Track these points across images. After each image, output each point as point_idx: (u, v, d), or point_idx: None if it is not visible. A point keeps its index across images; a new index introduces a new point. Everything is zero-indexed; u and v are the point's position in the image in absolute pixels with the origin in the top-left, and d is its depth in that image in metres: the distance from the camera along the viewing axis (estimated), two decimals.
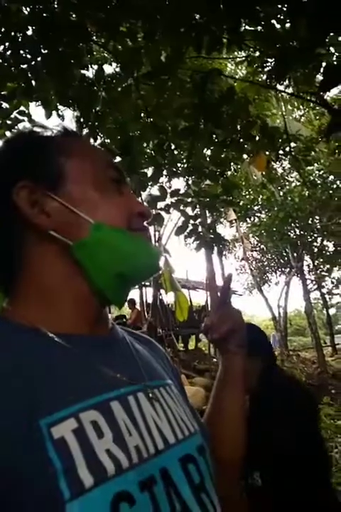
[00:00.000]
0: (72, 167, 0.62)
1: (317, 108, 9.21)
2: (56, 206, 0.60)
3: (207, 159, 3.36)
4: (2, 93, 2.92)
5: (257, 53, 3.15)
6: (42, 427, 0.46)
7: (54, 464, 0.44)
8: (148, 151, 3.34)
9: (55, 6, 2.60)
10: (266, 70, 3.37)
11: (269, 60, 3.10)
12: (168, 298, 11.91)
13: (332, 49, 2.75)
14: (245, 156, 3.99)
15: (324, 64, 2.66)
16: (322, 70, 2.69)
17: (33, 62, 2.76)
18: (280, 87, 3.00)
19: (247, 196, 13.99)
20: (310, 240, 14.76)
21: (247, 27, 2.74)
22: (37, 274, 0.60)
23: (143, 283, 12.72)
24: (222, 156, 3.33)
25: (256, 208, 14.64)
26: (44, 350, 0.54)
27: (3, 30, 2.59)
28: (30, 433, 0.45)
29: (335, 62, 2.51)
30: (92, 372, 0.56)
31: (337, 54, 2.71)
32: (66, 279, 0.60)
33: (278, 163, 7.98)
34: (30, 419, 0.46)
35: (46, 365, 0.52)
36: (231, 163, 3.64)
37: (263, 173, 5.89)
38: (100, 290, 0.60)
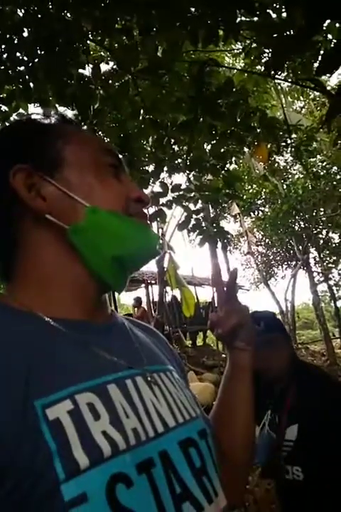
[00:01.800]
0: (70, 152, 0.63)
1: (318, 99, 9.17)
2: (52, 190, 0.60)
3: (207, 153, 3.35)
4: (0, 96, 2.93)
5: (254, 44, 3.13)
6: (37, 407, 0.46)
7: (49, 444, 0.44)
8: (147, 147, 3.32)
9: (50, 6, 2.60)
10: (263, 61, 3.36)
11: (266, 50, 3.08)
12: (176, 294, 11.93)
13: (329, 36, 2.73)
14: (246, 149, 3.97)
15: (322, 52, 2.65)
16: (319, 57, 2.68)
17: (30, 64, 2.77)
18: (278, 78, 2.98)
19: (250, 190, 13.95)
20: (315, 232, 14.69)
21: (243, 18, 2.72)
22: (34, 259, 0.60)
23: (149, 282, 12.75)
24: (222, 149, 3.32)
25: (259, 201, 14.59)
26: (41, 333, 0.54)
27: None
28: (25, 414, 0.45)
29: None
30: (89, 356, 0.56)
31: (334, 41, 2.69)
32: (63, 263, 0.60)
33: (280, 155, 7.94)
34: (25, 400, 0.46)
35: (43, 348, 0.52)
36: (232, 156, 3.62)
37: (265, 165, 5.87)
38: (97, 274, 0.60)
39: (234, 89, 2.69)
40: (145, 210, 0.68)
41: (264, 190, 13.65)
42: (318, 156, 12.42)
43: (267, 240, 16.29)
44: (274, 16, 2.76)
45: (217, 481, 0.60)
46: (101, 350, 0.57)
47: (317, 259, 16.14)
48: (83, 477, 0.44)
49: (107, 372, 0.55)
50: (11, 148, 0.63)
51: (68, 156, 0.62)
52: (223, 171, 3.35)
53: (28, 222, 0.61)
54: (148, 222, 0.69)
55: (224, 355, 9.57)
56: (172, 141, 3.23)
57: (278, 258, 16.96)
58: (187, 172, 3.21)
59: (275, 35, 2.70)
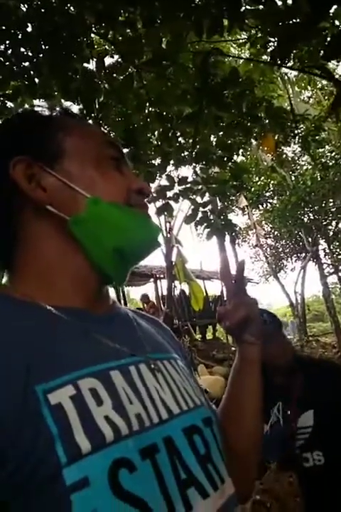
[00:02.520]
0: (71, 144, 0.63)
1: (326, 88, 9.06)
2: (53, 181, 0.60)
3: (214, 145, 3.32)
4: (6, 92, 2.93)
5: (259, 34, 3.09)
6: (39, 392, 0.46)
7: (50, 429, 0.44)
8: (153, 140, 3.30)
9: (53, 0, 2.59)
10: (269, 50, 3.32)
11: (272, 39, 3.04)
12: (184, 289, 11.94)
13: (336, 22, 2.69)
14: (253, 141, 3.94)
15: (328, 39, 2.60)
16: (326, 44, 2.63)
17: (35, 59, 2.77)
18: (285, 66, 2.93)
19: (258, 182, 13.87)
20: (324, 223, 14.57)
21: (247, 6, 2.69)
22: (35, 250, 0.60)
23: (158, 276, 12.75)
24: (229, 141, 3.30)
25: (267, 194, 14.50)
26: (42, 322, 0.54)
27: (3, 28, 2.60)
28: (26, 399, 0.45)
29: None
30: (92, 343, 0.56)
31: None
32: (63, 254, 0.60)
33: (287, 146, 7.87)
34: (26, 386, 0.46)
35: (44, 336, 0.53)
36: (239, 148, 3.59)
37: (273, 156, 5.82)
38: (97, 265, 0.60)
39: (239, 80, 2.67)
40: (146, 202, 0.68)
41: (272, 182, 13.57)
42: (327, 147, 12.30)
43: (276, 233, 16.20)
44: (279, 3, 2.73)
45: (223, 468, 0.59)
46: (103, 337, 0.57)
47: (327, 251, 16.02)
48: (85, 461, 0.44)
49: (110, 359, 0.55)
50: (11, 139, 0.63)
51: (69, 148, 0.62)
52: (230, 163, 3.33)
53: (28, 213, 0.61)
54: (149, 213, 0.69)
55: (234, 349, 9.56)
56: (178, 133, 3.21)
57: (288, 250, 16.86)
58: (194, 164, 3.20)
59: (280, 24, 2.67)
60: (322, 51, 2.98)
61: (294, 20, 2.62)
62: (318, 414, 1.56)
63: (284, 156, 9.28)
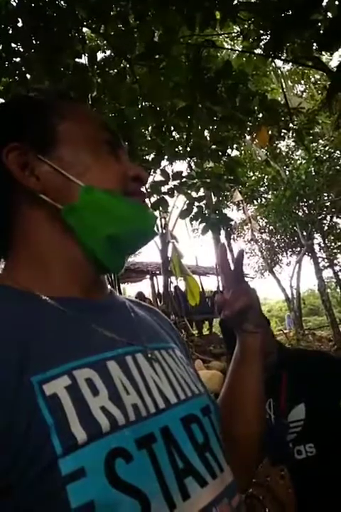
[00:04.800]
0: (65, 129, 0.61)
1: (319, 82, 9.07)
2: (46, 169, 0.59)
3: (208, 139, 3.32)
4: None
5: (252, 27, 3.08)
6: (34, 383, 0.46)
7: (46, 419, 0.44)
8: (147, 135, 3.29)
9: None
10: (262, 43, 3.31)
11: (265, 32, 3.03)
12: (179, 285, 11.94)
13: (329, 14, 2.68)
14: (247, 137, 3.93)
15: (321, 31, 2.60)
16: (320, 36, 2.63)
17: (26, 55, 2.74)
18: (278, 61, 2.93)
19: (253, 177, 13.89)
20: (319, 217, 14.61)
21: None
22: (29, 239, 0.60)
23: (154, 272, 12.75)
24: (223, 135, 3.29)
25: (262, 189, 14.52)
26: (37, 311, 0.54)
27: None
28: (21, 390, 0.45)
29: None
30: (88, 333, 0.55)
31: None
32: (58, 243, 0.59)
33: (281, 140, 7.88)
34: (20, 377, 0.45)
35: (39, 326, 0.52)
36: (233, 142, 3.58)
37: (267, 151, 5.83)
38: (92, 254, 0.59)
39: (233, 73, 2.66)
40: (143, 189, 0.67)
41: (267, 176, 13.57)
42: (320, 141, 12.33)
43: (271, 227, 16.23)
44: None
45: (222, 456, 0.59)
46: (100, 327, 0.56)
47: (322, 245, 16.08)
48: (81, 452, 0.44)
49: (106, 349, 0.54)
50: (4, 126, 0.62)
51: (63, 133, 0.61)
52: (224, 157, 3.32)
53: (23, 201, 0.60)
54: (146, 201, 0.68)
55: None
56: (172, 128, 3.20)
57: (283, 245, 16.91)
58: (188, 159, 3.19)
59: (273, 16, 2.66)
60: (314, 43, 2.98)
61: (287, 13, 2.61)
62: (309, 406, 1.56)
63: (278, 150, 9.29)
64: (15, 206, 0.60)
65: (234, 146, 4.14)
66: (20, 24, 2.64)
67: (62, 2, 2.57)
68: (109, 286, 0.68)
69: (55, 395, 0.46)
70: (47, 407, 0.45)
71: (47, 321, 0.53)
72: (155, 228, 0.67)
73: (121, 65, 2.76)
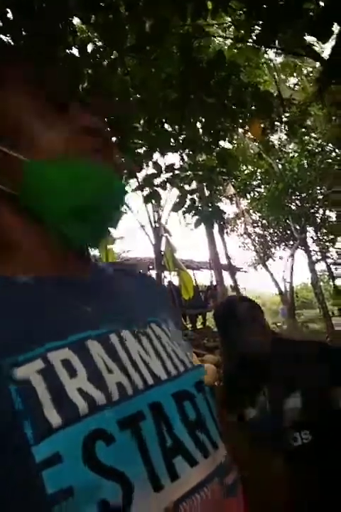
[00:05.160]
0: (5, 100, 0.54)
1: (311, 75, 9.07)
2: None
3: (200, 131, 3.30)
4: None
5: (243, 16, 3.06)
6: (4, 368, 0.43)
7: (16, 406, 0.42)
8: (139, 128, 3.27)
9: None
10: (254, 34, 3.29)
11: (256, 23, 3.01)
12: (172, 280, 11.94)
13: (321, 3, 2.67)
14: (240, 130, 3.92)
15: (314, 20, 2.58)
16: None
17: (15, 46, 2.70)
18: (270, 53, 2.91)
19: (245, 171, 13.90)
20: (312, 211, 14.66)
21: None
22: None
23: (148, 267, 12.72)
24: (215, 127, 3.27)
25: (255, 182, 14.54)
26: (8, 293, 0.50)
27: None
28: None
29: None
30: (66, 312, 0.51)
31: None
32: (22, 225, 0.54)
33: (273, 134, 7.89)
34: None
35: (10, 307, 0.48)
36: (226, 134, 3.57)
37: (260, 144, 5.82)
38: (59, 231, 0.54)
39: (225, 63, 2.64)
40: (99, 141, 0.57)
41: (259, 170, 13.58)
42: (313, 134, 12.35)
43: (264, 221, 16.26)
44: None
45: (217, 433, 0.56)
46: (82, 305, 0.53)
47: (315, 238, 16.15)
48: (55, 437, 0.41)
49: (88, 327, 0.50)
50: None
51: (4, 106, 0.54)
52: (217, 149, 3.31)
53: None
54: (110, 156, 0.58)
55: None
56: (164, 120, 3.18)
57: (276, 238, 16.95)
58: (181, 151, 3.17)
59: (264, 6, 2.64)
60: (306, 33, 2.97)
61: (279, 2, 2.60)
62: (304, 394, 1.58)
63: (270, 143, 9.30)
64: None
65: (227, 139, 4.12)
66: (9, 15, 2.61)
67: None
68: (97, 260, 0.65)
69: (27, 380, 0.43)
70: (18, 393, 0.42)
71: (19, 302, 0.50)
72: (120, 185, 0.60)
73: (112, 56, 2.73)
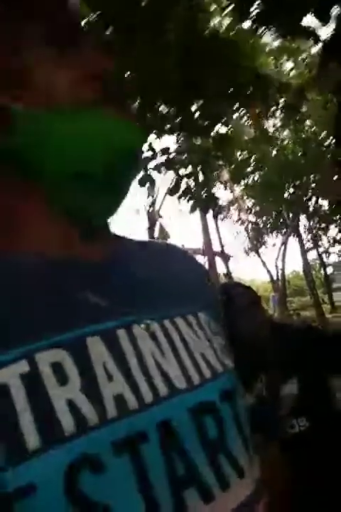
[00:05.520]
0: None
1: (308, 59, 8.99)
2: None
3: (197, 114, 3.24)
4: None
5: None
6: None
7: None
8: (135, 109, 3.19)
9: None
10: (251, 14, 3.22)
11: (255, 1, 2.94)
12: None
13: None
14: (235, 116, 3.86)
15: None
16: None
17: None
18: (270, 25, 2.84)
19: (240, 157, 13.85)
20: (305, 198, 14.68)
21: None
22: None
23: None
24: (212, 110, 3.22)
25: (249, 169, 14.50)
26: (3, 278, 0.41)
27: None
28: None
29: None
30: (66, 302, 0.42)
31: None
32: (22, 197, 0.45)
33: (269, 120, 7.83)
34: None
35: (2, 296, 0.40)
36: (222, 117, 3.51)
37: (255, 130, 5.77)
38: (65, 204, 0.45)
39: (223, 42, 2.58)
40: (105, 88, 0.44)
41: (254, 156, 13.53)
42: (307, 122, 12.30)
43: (257, 208, 16.25)
44: None
45: (244, 455, 0.44)
46: (88, 293, 0.43)
47: (307, 227, 16.20)
48: (32, 462, 0.33)
49: (92, 321, 0.40)
50: None
51: None
52: (213, 132, 3.26)
53: None
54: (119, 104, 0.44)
55: None
56: (160, 102, 3.11)
57: (269, 226, 16.97)
58: (177, 133, 3.11)
59: None
60: (303, 16, 2.90)
61: None
62: (300, 380, 1.58)
63: (265, 130, 9.25)
64: None
65: (222, 123, 4.06)
66: None
67: None
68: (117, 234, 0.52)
69: (4, 385, 0.35)
70: None
71: (12, 287, 0.41)
72: (138, 144, 0.47)
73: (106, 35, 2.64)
